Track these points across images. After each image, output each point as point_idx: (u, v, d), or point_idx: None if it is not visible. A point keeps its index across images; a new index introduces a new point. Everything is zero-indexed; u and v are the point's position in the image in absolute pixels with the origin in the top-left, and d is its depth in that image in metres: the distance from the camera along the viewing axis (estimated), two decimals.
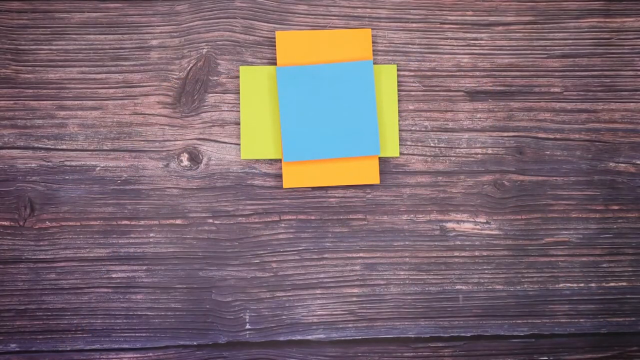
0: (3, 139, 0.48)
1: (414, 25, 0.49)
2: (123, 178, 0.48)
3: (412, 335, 0.48)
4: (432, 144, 0.49)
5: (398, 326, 0.48)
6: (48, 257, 0.48)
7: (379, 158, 0.48)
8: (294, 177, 0.48)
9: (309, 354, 0.48)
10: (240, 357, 0.48)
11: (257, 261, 0.48)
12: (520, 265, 0.48)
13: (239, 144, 0.48)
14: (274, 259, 0.48)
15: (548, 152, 0.49)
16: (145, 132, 0.48)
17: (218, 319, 0.48)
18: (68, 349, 0.48)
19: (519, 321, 0.48)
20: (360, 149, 0.47)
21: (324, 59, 0.48)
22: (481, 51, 0.49)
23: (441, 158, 0.49)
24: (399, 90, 0.48)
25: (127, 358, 0.48)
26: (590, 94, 0.49)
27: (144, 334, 0.48)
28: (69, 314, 0.48)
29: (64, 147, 0.48)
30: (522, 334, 0.48)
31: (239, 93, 0.48)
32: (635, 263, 0.49)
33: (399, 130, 0.48)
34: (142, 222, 0.48)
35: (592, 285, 0.49)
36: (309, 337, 0.48)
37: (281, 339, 0.48)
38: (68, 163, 0.48)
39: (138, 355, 0.48)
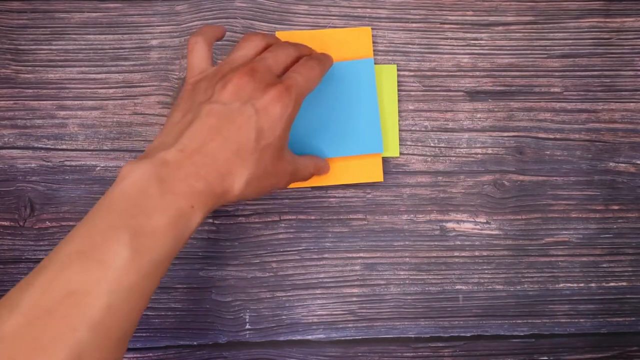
0: (3, 139, 0.48)
1: (414, 25, 0.49)
2: None
3: (412, 335, 0.48)
4: (432, 144, 0.49)
5: (398, 326, 0.48)
6: None
7: None
8: None
9: (309, 354, 0.48)
10: (240, 357, 0.48)
11: (257, 261, 0.48)
12: (520, 265, 0.48)
13: None
14: (274, 259, 0.48)
15: (548, 152, 0.49)
16: (145, 132, 0.48)
17: (218, 319, 0.48)
18: None
19: (519, 321, 0.48)
20: (363, 147, 0.47)
21: None
22: (481, 51, 0.49)
23: (441, 158, 0.49)
24: (399, 90, 0.48)
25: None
26: (590, 94, 0.49)
27: (144, 334, 0.48)
28: None
29: (64, 147, 0.48)
30: (522, 334, 0.48)
31: None
32: (635, 263, 0.49)
33: (399, 130, 0.48)
34: None
35: (592, 285, 0.49)
36: (309, 337, 0.48)
37: (281, 339, 0.48)
38: (68, 163, 0.48)
39: (138, 355, 0.48)
